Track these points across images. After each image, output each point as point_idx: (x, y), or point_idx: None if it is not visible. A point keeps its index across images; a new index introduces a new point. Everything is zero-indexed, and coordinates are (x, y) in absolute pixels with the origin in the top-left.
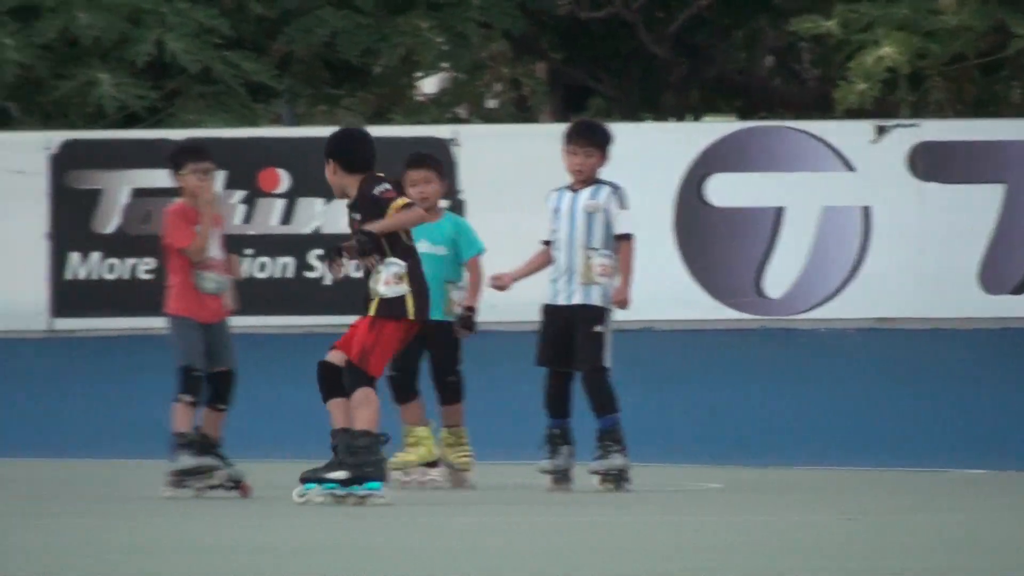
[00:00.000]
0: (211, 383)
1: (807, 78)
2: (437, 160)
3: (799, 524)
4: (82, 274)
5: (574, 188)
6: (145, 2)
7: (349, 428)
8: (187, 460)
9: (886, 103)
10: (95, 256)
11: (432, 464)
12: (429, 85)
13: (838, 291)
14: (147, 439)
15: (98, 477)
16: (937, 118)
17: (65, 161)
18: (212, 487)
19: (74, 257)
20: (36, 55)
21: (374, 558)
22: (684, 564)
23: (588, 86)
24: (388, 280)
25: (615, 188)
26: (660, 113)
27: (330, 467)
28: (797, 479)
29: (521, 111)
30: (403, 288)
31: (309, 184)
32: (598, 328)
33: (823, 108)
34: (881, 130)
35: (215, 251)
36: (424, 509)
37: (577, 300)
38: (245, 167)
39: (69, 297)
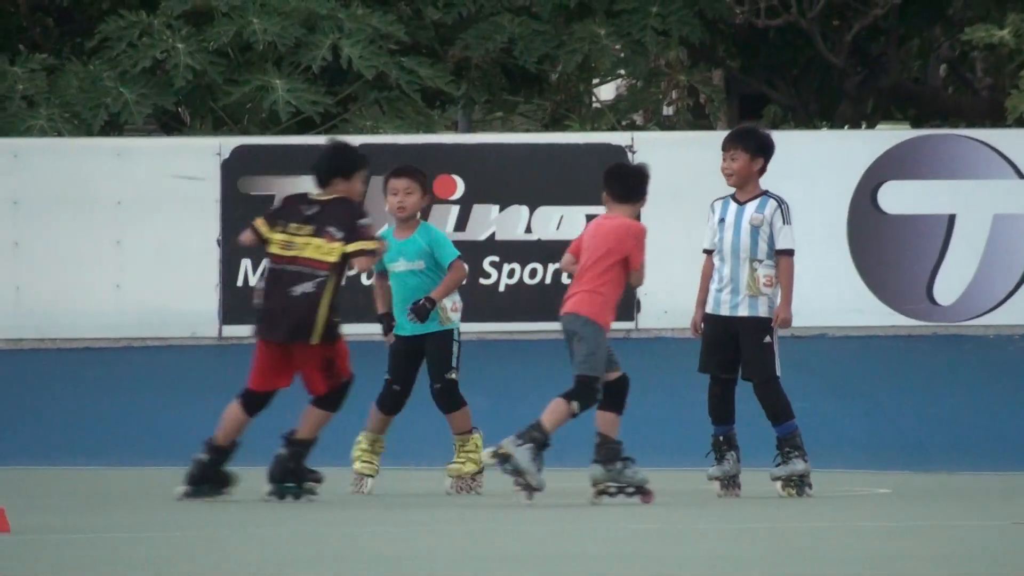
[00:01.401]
0: (611, 388)
1: (980, 87)
2: (422, 172)
3: (969, 529)
4: (253, 281)
5: (739, 200)
6: (321, 7)
7: None
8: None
9: None
10: (266, 263)
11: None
12: (605, 92)
13: (1007, 298)
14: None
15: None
16: None
17: (237, 167)
18: (611, 493)
19: (245, 264)
20: (208, 60)
21: (559, 565)
22: (855, 570)
23: (764, 94)
24: None
25: (780, 202)
26: (834, 122)
27: None
28: (967, 484)
29: (697, 118)
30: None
31: (484, 191)
32: (767, 339)
33: (995, 116)
34: None
35: None
36: (597, 514)
37: (743, 312)
38: None
39: (240, 304)
